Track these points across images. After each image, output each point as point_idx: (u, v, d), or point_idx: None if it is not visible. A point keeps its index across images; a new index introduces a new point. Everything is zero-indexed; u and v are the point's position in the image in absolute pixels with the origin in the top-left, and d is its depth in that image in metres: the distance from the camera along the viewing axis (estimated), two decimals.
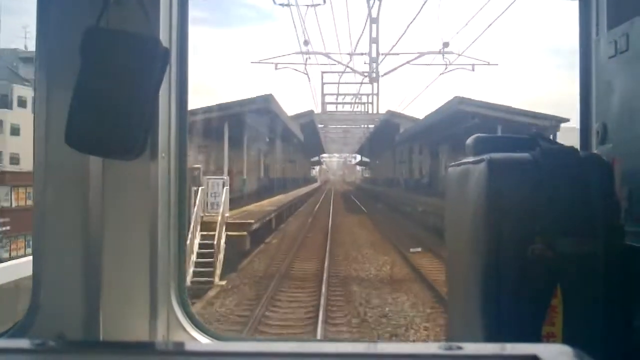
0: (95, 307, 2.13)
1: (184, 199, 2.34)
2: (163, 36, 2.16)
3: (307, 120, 56.93)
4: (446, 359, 1.06)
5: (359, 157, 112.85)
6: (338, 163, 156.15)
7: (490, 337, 1.72)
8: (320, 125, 67.07)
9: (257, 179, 48.54)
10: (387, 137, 60.23)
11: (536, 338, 1.70)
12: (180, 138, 2.30)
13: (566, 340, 1.69)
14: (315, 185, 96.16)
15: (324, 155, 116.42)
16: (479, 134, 2.05)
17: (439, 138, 41.22)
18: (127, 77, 1.98)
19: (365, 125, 71.15)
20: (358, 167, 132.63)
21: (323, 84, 62.57)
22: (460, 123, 31.45)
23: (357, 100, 65.57)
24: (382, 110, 61.30)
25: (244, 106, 33.24)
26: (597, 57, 2.19)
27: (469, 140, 2.03)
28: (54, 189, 2.16)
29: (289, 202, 41.16)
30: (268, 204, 34.33)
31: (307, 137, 60.04)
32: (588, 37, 2.30)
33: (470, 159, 1.93)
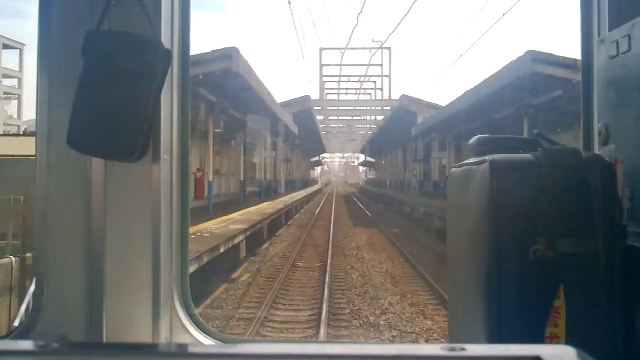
0: (98, 308, 2.14)
1: (187, 200, 2.34)
2: (165, 37, 2.16)
3: (302, 108, 44.36)
4: None
5: (362, 158, 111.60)
6: (340, 164, 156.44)
7: (492, 339, 1.72)
8: (319, 117, 55.22)
9: (235, 182, 37.88)
10: (399, 129, 47.69)
11: (539, 339, 1.69)
12: (182, 140, 2.31)
13: (569, 341, 1.69)
14: (315, 187, 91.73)
15: (325, 155, 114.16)
16: (480, 135, 2.06)
17: (492, 120, 28.37)
18: (129, 79, 1.99)
19: (373, 117, 59.66)
20: (361, 168, 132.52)
21: (322, 65, 53.29)
22: (529, 95, 21.15)
23: (362, 87, 55.60)
24: (395, 97, 49.61)
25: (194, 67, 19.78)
26: (599, 58, 2.19)
27: (472, 141, 2.04)
28: (56, 191, 2.17)
29: (277, 212, 30.35)
30: (240, 218, 24.09)
31: (303, 129, 47.70)
32: (590, 38, 2.30)
33: (473, 159, 1.93)
